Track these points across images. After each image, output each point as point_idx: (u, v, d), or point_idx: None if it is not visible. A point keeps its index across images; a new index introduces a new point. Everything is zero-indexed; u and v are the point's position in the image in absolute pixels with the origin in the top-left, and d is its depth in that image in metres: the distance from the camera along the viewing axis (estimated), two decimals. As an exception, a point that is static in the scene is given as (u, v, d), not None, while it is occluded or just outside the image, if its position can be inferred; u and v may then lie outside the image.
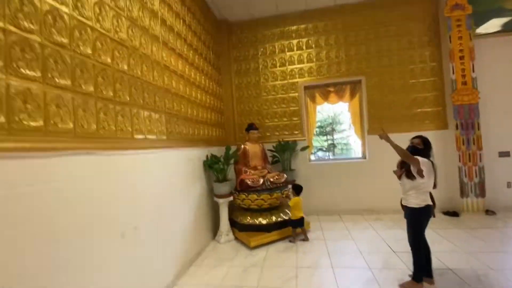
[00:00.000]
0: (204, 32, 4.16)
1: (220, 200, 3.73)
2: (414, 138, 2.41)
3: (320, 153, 5.62)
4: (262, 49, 5.02)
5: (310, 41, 4.88)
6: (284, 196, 3.78)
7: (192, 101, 3.49)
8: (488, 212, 4.18)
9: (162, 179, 2.61)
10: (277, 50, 4.98)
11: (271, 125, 5.01)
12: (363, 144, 4.83)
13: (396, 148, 2.22)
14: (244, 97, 5.09)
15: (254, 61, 5.05)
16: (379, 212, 4.62)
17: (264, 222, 3.68)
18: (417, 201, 2.25)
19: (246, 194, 3.74)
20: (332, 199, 4.78)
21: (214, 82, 4.53)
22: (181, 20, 3.34)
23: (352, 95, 4.84)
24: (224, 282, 2.64)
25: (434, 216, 2.34)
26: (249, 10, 4.76)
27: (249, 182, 3.77)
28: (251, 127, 4.28)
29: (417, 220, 2.29)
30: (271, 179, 3.92)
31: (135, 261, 2.11)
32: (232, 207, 4.09)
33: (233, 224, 3.92)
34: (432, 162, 2.24)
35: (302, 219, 3.60)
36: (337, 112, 5.19)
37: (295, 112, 4.92)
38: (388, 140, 2.31)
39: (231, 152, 3.82)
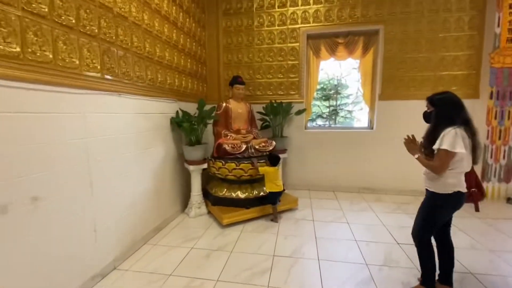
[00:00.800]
0: None
1: (191, 167, 3.08)
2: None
3: (319, 121, 4.86)
4: (258, -17, 4.00)
5: (319, -25, 3.84)
6: (254, 164, 3.05)
7: (154, 35, 2.65)
8: (510, 200, 3.56)
9: (95, 134, 1.90)
10: (276, -15, 3.96)
11: (263, 82, 4.17)
12: (372, 112, 4.06)
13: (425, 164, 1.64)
14: (232, 45, 4.18)
15: (247, -1, 4.05)
16: (381, 192, 4.01)
17: (242, 196, 3.06)
18: (438, 184, 1.57)
19: (223, 162, 3.06)
20: (327, 173, 4.14)
21: (194, 20, 3.60)
22: None
23: (365, 50, 3.93)
24: (176, 271, 2.07)
25: (477, 210, 1.68)
26: None
27: (227, 148, 3.08)
28: (235, 80, 3.46)
29: (432, 209, 1.63)
30: (256, 146, 3.23)
31: (38, 243, 1.48)
32: (208, 176, 3.46)
33: (207, 195, 3.31)
34: (467, 128, 1.52)
35: (276, 194, 2.99)
36: (344, 73, 4.33)
37: (293, 67, 4.05)
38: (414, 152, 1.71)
39: (205, 108, 3.07)
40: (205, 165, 3.16)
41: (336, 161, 4.09)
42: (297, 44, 3.98)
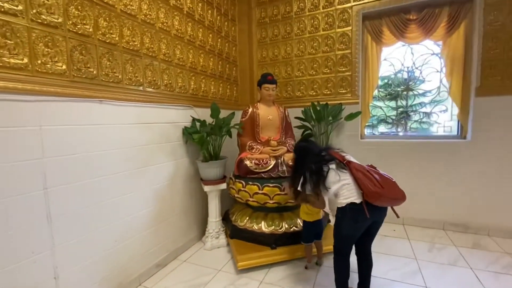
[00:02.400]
0: None
1: (206, 188, 2.54)
2: None
3: (383, 128, 3.80)
4: (297, -41, 3.29)
5: None
6: (282, 188, 2.31)
7: (159, 29, 2.22)
8: None
9: (58, 152, 1.50)
10: (321, -43, 3.18)
11: (304, 80, 3.40)
12: (464, 113, 2.85)
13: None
14: (267, 39, 3.55)
15: (284, -19, 3.38)
16: (481, 231, 2.75)
17: (267, 230, 2.36)
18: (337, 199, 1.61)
19: (243, 183, 2.43)
20: (394, 200, 3.08)
21: (220, 13, 3.12)
22: None
23: (452, 26, 2.79)
24: None
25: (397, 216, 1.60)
26: None
27: (249, 164, 2.44)
28: (264, 79, 2.78)
29: (337, 221, 1.64)
30: (290, 162, 2.47)
31: None
32: (231, 199, 2.88)
33: (228, 222, 2.72)
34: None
35: (314, 226, 2.16)
36: (418, 62, 3.22)
37: (344, 58, 3.17)
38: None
39: (218, 115, 2.50)
40: (223, 185, 2.59)
41: (407, 183, 2.97)
42: (349, 28, 3.10)
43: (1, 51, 1.26)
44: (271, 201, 2.32)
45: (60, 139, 1.51)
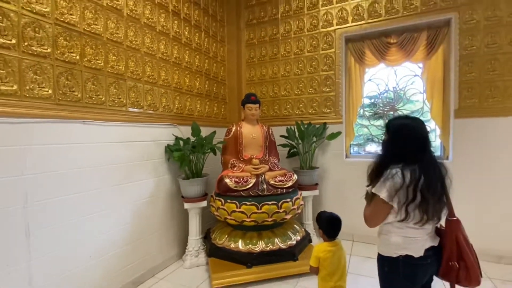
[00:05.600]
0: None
1: (187, 205, 2.72)
2: None
3: (371, 147, 3.98)
4: (283, -16, 3.63)
5: (360, -38, 3.23)
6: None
7: (144, 53, 2.49)
8: None
9: (40, 169, 1.72)
10: (305, -17, 3.51)
11: (290, 99, 3.64)
12: (445, 134, 3.03)
13: None
14: (255, 59, 3.83)
15: (272, 4, 3.70)
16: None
17: (243, 248, 2.50)
18: (381, 242, 1.36)
19: (222, 201, 2.60)
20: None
21: (208, 35, 3.42)
22: None
23: (431, 49, 3.03)
24: None
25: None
26: None
27: (228, 182, 2.61)
28: (247, 99, 3.03)
29: (383, 276, 1.34)
30: (271, 181, 2.68)
31: None
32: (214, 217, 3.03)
33: (208, 241, 2.86)
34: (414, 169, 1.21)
35: None
36: (402, 83, 3.43)
37: (328, 79, 3.42)
38: None
39: (199, 133, 2.72)
40: (204, 203, 2.76)
41: (391, 204, 3.14)
42: (332, 50, 3.36)
43: (-6, 79, 1.51)
44: (248, 219, 2.47)
45: (41, 157, 1.72)
